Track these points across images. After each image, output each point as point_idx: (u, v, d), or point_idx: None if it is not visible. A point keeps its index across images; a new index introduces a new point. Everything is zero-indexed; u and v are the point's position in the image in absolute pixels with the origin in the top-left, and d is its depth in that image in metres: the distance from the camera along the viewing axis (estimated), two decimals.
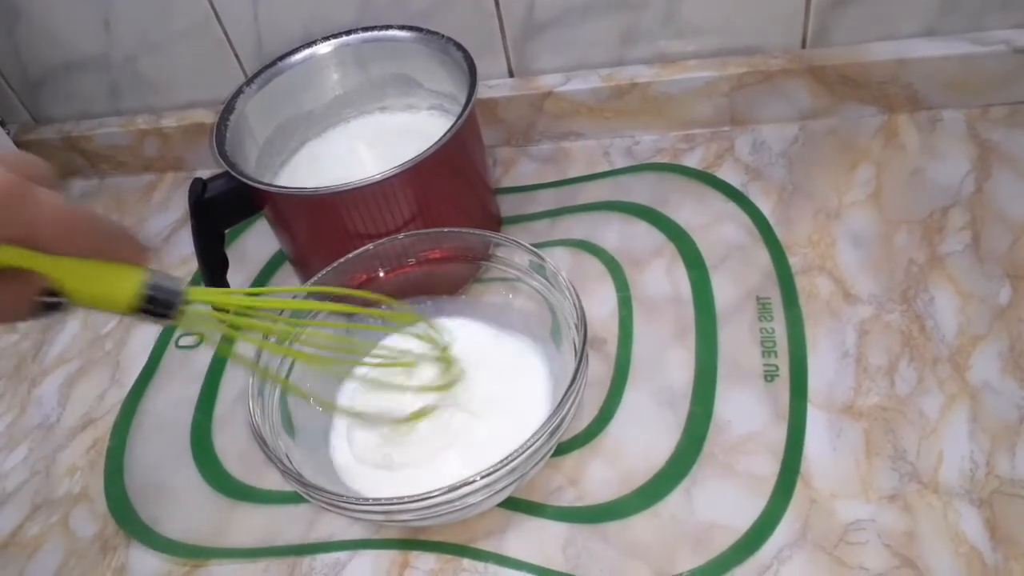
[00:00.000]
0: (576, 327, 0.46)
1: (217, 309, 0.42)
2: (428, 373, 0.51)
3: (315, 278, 0.52)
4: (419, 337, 0.51)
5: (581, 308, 0.46)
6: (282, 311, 0.50)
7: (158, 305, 0.36)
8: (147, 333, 0.68)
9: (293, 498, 0.53)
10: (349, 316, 0.54)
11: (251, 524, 0.53)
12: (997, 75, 0.64)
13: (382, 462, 0.49)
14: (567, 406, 0.43)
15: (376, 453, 0.49)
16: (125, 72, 0.79)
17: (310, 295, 0.52)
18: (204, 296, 0.39)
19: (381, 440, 0.50)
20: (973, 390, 0.50)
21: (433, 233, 0.54)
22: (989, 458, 0.46)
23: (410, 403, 0.50)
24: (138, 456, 0.59)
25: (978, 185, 0.61)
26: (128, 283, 0.36)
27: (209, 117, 0.79)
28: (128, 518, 0.55)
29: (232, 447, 0.58)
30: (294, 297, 0.52)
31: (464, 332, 0.54)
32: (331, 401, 0.53)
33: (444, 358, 0.51)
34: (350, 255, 0.53)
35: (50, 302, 0.36)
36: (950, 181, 0.61)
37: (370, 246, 0.53)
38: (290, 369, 0.51)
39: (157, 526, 0.54)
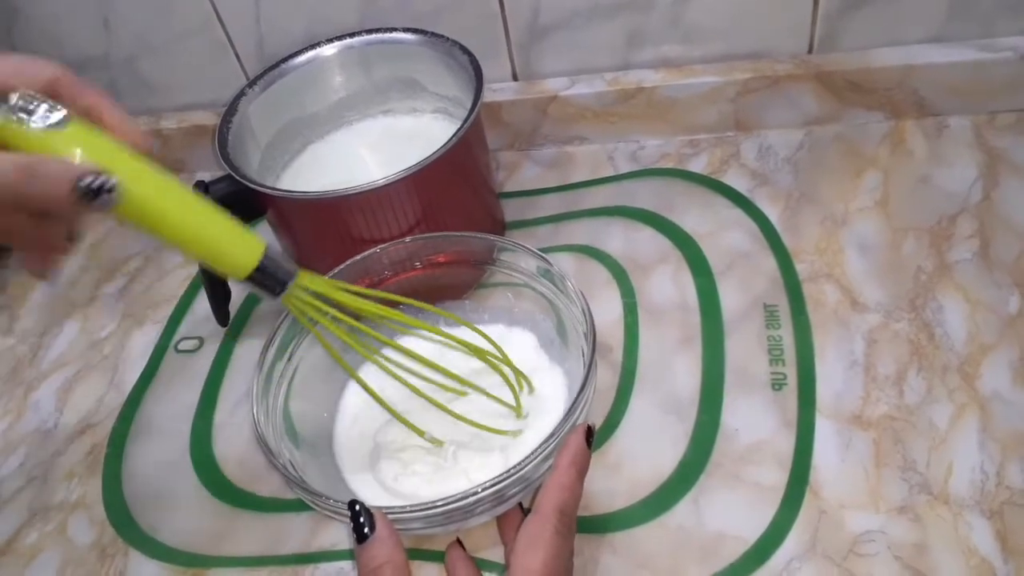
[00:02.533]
0: (585, 336, 0.45)
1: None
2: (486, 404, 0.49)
3: (328, 276, 0.51)
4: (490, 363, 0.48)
5: (591, 316, 0.46)
6: (381, 319, 0.47)
7: (267, 277, 0.41)
8: (146, 337, 0.67)
9: (294, 506, 0.53)
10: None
11: (252, 532, 0.52)
12: (1005, 82, 0.64)
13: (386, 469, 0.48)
14: (575, 414, 0.42)
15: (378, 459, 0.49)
16: (125, 73, 0.78)
17: (403, 306, 0.49)
18: (313, 282, 0.43)
19: (385, 448, 0.49)
20: (983, 400, 0.49)
21: (439, 237, 0.53)
22: (1000, 469, 0.46)
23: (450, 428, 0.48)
24: (137, 462, 0.58)
25: (986, 192, 0.60)
26: (251, 250, 0.40)
27: (209, 119, 0.78)
28: (127, 525, 0.54)
29: (232, 454, 0.57)
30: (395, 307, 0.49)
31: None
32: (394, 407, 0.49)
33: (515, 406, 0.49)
34: (356, 258, 0.52)
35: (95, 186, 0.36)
36: (958, 188, 0.61)
37: (376, 249, 0.52)
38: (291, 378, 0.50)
39: (156, 533, 0.54)
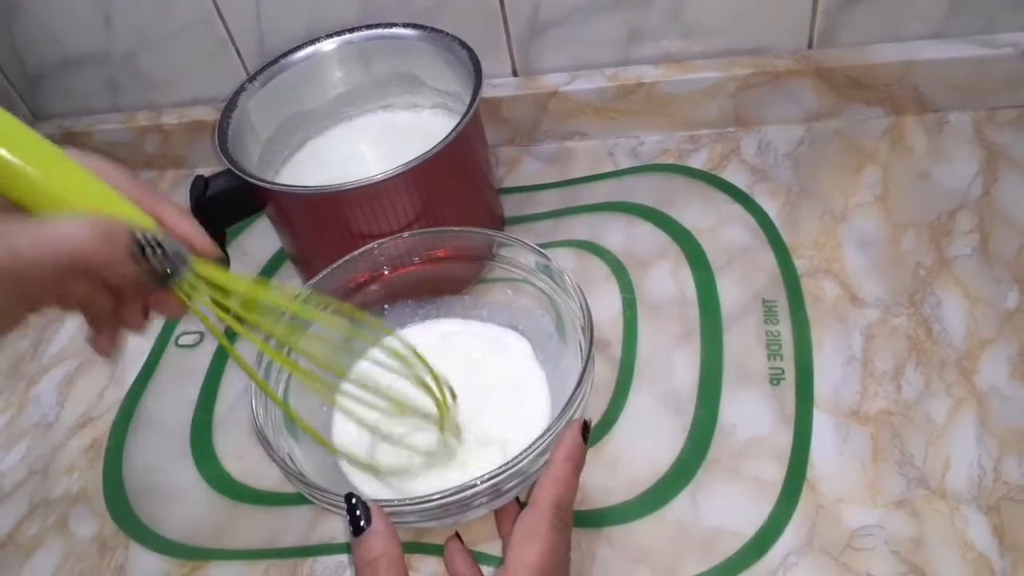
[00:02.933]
0: (583, 329, 0.45)
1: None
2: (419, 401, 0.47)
3: (319, 276, 0.51)
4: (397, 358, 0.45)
5: (588, 311, 0.46)
6: (283, 312, 0.48)
7: (156, 259, 0.36)
8: (147, 332, 0.67)
9: (294, 499, 0.53)
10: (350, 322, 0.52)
11: (251, 525, 0.53)
12: (1005, 78, 0.64)
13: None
14: (572, 409, 0.42)
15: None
16: (125, 68, 0.79)
17: (307, 300, 0.50)
18: (208, 271, 0.38)
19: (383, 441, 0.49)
20: (981, 395, 0.49)
21: (438, 232, 0.53)
22: (997, 464, 0.46)
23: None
24: (137, 456, 0.59)
25: (986, 188, 0.60)
26: (135, 217, 0.36)
27: (209, 114, 0.78)
28: (127, 518, 0.55)
29: (232, 447, 0.57)
30: (297, 298, 0.50)
31: (465, 332, 0.54)
32: (325, 438, 0.49)
33: (423, 382, 0.45)
34: (354, 253, 0.52)
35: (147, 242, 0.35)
36: (957, 184, 0.61)
37: (374, 244, 0.52)
38: (287, 381, 0.50)
39: (156, 526, 0.54)
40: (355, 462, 0.47)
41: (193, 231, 0.38)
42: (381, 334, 0.47)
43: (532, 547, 0.36)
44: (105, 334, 0.40)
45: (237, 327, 0.40)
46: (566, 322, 0.50)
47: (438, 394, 0.45)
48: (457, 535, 0.47)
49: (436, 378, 0.45)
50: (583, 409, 0.43)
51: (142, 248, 0.35)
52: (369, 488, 0.48)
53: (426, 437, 0.47)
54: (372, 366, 0.46)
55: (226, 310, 0.40)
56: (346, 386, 0.47)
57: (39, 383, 0.66)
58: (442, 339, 0.54)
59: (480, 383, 0.50)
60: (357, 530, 0.37)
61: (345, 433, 0.50)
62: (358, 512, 0.37)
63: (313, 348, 0.50)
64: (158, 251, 0.35)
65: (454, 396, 0.46)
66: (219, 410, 0.60)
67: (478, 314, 0.55)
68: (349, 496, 0.38)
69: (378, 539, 0.36)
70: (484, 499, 0.42)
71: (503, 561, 0.38)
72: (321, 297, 0.50)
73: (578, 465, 0.39)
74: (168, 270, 0.36)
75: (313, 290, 0.50)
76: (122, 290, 0.38)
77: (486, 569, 0.46)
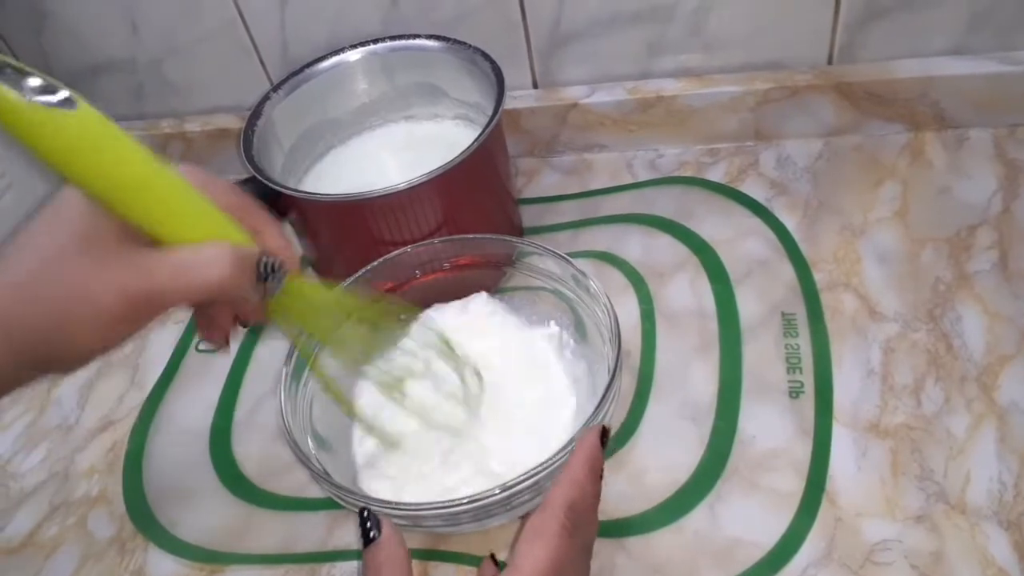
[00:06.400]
0: (611, 341, 0.46)
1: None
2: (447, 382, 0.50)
3: (351, 279, 0.52)
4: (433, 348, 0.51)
5: (616, 325, 0.46)
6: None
7: (272, 282, 0.38)
8: (167, 336, 0.68)
9: (312, 504, 0.53)
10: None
11: (269, 530, 0.53)
12: None
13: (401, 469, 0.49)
14: (599, 417, 0.42)
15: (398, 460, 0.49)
16: (150, 75, 0.80)
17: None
18: (298, 282, 0.41)
19: (403, 449, 0.50)
20: (1001, 410, 0.49)
21: (465, 239, 0.54)
22: (1017, 479, 0.46)
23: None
24: (157, 459, 0.59)
25: (1005, 205, 0.60)
26: (243, 239, 0.38)
27: (232, 122, 0.79)
28: (146, 521, 0.55)
29: (251, 452, 0.58)
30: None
31: (493, 325, 0.54)
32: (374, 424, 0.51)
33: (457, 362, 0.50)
34: (384, 258, 0.53)
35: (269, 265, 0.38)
36: (977, 200, 0.61)
37: (407, 248, 0.53)
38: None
39: (175, 529, 0.54)
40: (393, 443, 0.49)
41: (287, 247, 0.40)
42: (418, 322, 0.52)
43: (538, 548, 0.35)
44: (219, 333, 0.42)
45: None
46: (588, 328, 0.51)
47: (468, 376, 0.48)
48: (492, 557, 0.46)
49: (464, 361, 0.48)
50: (609, 417, 0.44)
51: (264, 271, 0.38)
52: (388, 491, 0.48)
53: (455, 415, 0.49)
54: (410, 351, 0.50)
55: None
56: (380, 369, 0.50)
57: (60, 386, 0.66)
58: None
59: (505, 386, 0.50)
60: (367, 541, 0.37)
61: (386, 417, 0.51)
62: (369, 524, 0.37)
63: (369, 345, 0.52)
64: (276, 273, 0.38)
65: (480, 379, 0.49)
66: (239, 415, 0.60)
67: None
68: (362, 510, 0.38)
69: (384, 546, 0.37)
70: (506, 507, 0.42)
71: (508, 561, 0.37)
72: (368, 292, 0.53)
73: (594, 469, 0.39)
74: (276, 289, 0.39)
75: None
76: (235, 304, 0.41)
77: None
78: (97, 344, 0.35)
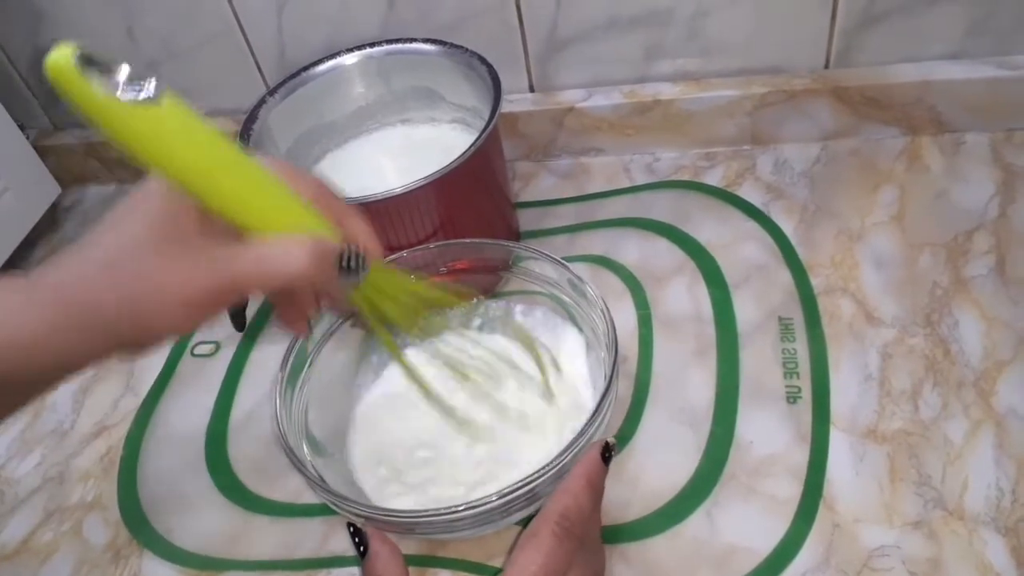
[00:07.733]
0: (607, 347, 0.46)
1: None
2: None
3: None
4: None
5: (613, 330, 0.46)
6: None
7: (354, 272, 0.39)
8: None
9: (307, 510, 0.53)
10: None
11: (265, 536, 0.53)
12: (1022, 99, 0.64)
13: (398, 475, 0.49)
14: (594, 427, 0.42)
15: (395, 465, 0.49)
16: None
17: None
18: (381, 272, 0.42)
19: (400, 453, 0.49)
20: (998, 416, 0.49)
21: (462, 243, 0.54)
22: (1015, 486, 0.46)
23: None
24: (152, 465, 0.59)
25: (1002, 209, 0.60)
26: (327, 229, 0.38)
27: (229, 126, 0.79)
28: (141, 527, 0.55)
29: (247, 457, 0.57)
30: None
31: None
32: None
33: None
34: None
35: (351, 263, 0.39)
36: (974, 204, 0.61)
37: (404, 253, 0.53)
38: None
39: (170, 536, 0.54)
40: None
41: (371, 238, 0.40)
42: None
43: (529, 552, 0.36)
44: (299, 319, 0.43)
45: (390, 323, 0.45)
46: (585, 334, 0.50)
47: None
48: None
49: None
50: (605, 427, 0.43)
51: (347, 263, 0.38)
52: (384, 496, 0.48)
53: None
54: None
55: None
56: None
57: (55, 391, 0.66)
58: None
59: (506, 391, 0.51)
60: (361, 555, 0.38)
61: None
62: (357, 540, 0.38)
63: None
64: (358, 263, 0.39)
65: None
66: (234, 420, 0.60)
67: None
68: (349, 525, 0.38)
69: (377, 560, 0.37)
70: (502, 514, 0.42)
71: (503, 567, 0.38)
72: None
73: (592, 482, 0.39)
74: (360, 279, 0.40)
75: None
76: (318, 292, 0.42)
77: None
78: (174, 330, 0.35)
